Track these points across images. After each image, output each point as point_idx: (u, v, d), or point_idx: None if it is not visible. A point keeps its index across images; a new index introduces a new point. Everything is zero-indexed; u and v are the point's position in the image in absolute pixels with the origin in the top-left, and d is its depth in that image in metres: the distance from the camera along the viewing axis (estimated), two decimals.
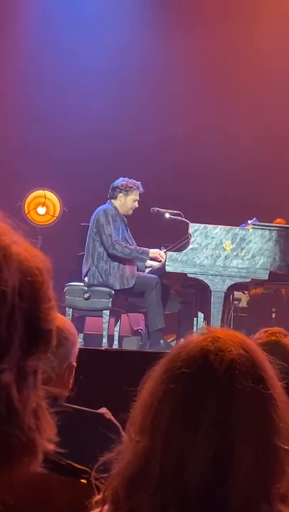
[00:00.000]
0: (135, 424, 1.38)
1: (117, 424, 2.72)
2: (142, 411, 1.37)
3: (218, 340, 1.38)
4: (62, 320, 2.91)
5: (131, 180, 7.21)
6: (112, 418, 2.74)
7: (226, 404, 1.32)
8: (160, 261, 7.00)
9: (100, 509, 1.35)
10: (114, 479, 1.35)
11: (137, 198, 7.18)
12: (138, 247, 7.09)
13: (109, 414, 2.76)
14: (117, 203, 7.15)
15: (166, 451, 1.31)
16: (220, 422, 1.31)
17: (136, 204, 7.19)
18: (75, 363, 2.85)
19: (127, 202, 7.15)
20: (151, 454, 1.32)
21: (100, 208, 7.20)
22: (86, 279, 7.08)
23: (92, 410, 2.74)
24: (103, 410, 2.77)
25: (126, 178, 7.24)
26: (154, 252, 7.09)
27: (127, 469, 1.34)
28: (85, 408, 2.74)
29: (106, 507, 1.35)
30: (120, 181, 7.21)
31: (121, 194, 7.15)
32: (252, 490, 1.30)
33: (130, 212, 7.20)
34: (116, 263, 6.99)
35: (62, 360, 2.76)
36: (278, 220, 8.43)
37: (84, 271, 7.14)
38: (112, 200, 7.18)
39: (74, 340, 2.85)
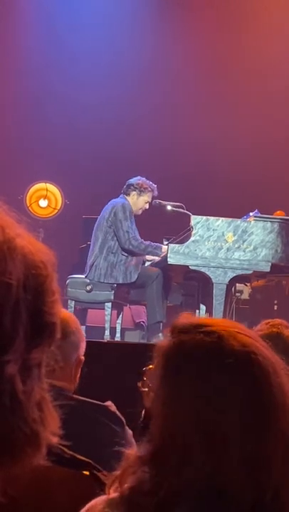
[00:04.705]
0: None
1: (121, 417, 2.73)
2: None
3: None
4: (68, 314, 2.95)
5: (148, 181, 7.17)
6: (117, 411, 2.75)
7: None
8: None
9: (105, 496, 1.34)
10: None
11: (149, 200, 7.15)
12: (152, 243, 7.08)
13: (113, 407, 2.76)
14: (129, 199, 7.13)
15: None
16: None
17: (146, 206, 7.17)
18: (83, 357, 2.87)
19: (138, 202, 7.13)
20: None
21: (115, 201, 7.14)
22: (89, 272, 7.04)
23: (97, 402, 2.75)
24: (108, 403, 2.78)
25: (143, 178, 7.20)
26: (165, 248, 7.02)
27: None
28: (89, 400, 2.75)
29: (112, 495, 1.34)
30: (137, 180, 7.16)
31: (134, 193, 7.12)
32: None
33: (139, 212, 7.18)
34: (124, 256, 6.98)
35: (71, 353, 2.77)
36: (278, 212, 8.42)
37: (89, 263, 7.12)
38: (125, 196, 7.16)
39: (81, 334, 2.89)
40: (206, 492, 1.27)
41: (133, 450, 1.35)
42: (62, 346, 2.68)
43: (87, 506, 1.35)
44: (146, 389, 1.42)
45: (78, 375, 2.84)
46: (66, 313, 2.99)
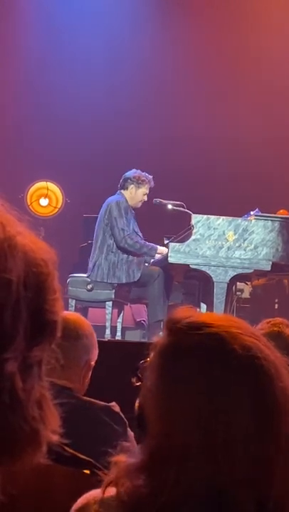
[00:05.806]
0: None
1: (124, 418, 2.72)
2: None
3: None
4: (83, 319, 2.97)
5: (143, 173, 7.16)
6: (120, 412, 2.75)
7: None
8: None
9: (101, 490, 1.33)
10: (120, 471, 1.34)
11: (147, 191, 7.13)
12: (148, 243, 7.07)
13: (117, 408, 2.76)
14: (127, 194, 7.12)
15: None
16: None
17: (145, 198, 7.16)
18: (93, 363, 2.87)
19: (137, 194, 7.11)
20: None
21: (111, 199, 7.13)
22: (91, 272, 7.03)
23: (101, 402, 2.75)
24: (112, 404, 2.78)
25: (138, 170, 7.19)
26: (161, 249, 7.03)
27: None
28: (93, 400, 2.75)
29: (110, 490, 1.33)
30: (133, 173, 7.15)
31: (132, 186, 7.11)
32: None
33: (139, 205, 7.17)
34: (125, 255, 6.97)
35: (81, 355, 2.78)
36: (281, 211, 8.42)
37: (91, 263, 7.11)
38: (123, 191, 7.14)
39: (94, 340, 2.89)
40: (206, 492, 1.26)
41: (122, 457, 1.34)
42: (73, 346, 2.70)
43: (79, 504, 1.34)
44: (140, 383, 1.40)
45: (88, 379, 2.85)
46: (82, 317, 3.01)
